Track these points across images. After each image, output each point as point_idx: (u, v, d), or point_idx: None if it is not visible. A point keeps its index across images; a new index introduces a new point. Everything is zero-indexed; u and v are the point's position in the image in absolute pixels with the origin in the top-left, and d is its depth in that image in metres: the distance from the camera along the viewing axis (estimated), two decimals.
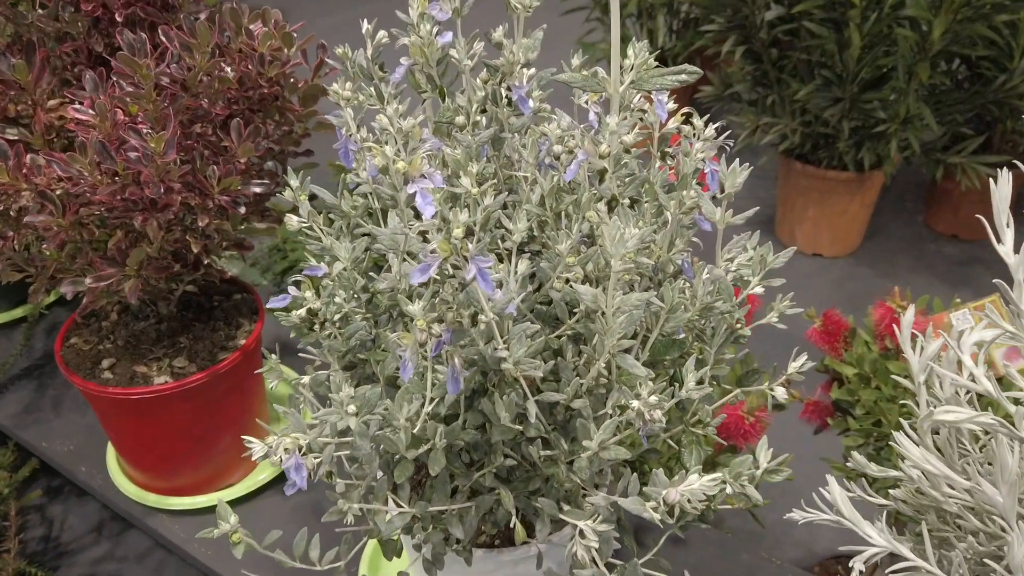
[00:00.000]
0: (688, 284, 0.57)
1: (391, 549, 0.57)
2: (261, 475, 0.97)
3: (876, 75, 1.87)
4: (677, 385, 0.52)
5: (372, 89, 0.58)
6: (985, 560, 0.46)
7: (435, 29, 0.55)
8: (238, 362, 0.87)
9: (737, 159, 0.54)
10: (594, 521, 0.50)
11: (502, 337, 0.47)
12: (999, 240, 0.49)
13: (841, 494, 0.49)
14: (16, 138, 0.75)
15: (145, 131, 0.69)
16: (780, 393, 0.60)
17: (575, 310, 0.52)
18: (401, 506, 0.55)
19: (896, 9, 1.73)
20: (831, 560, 1.26)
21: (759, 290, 0.60)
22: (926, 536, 0.48)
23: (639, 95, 0.55)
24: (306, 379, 0.61)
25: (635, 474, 0.48)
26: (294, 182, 0.57)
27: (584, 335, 0.53)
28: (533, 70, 0.57)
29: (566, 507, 0.53)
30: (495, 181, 0.58)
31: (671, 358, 0.56)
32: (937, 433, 0.55)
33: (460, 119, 0.54)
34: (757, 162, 2.58)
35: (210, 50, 0.72)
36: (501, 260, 0.54)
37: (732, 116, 2.16)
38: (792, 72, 2.01)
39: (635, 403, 0.45)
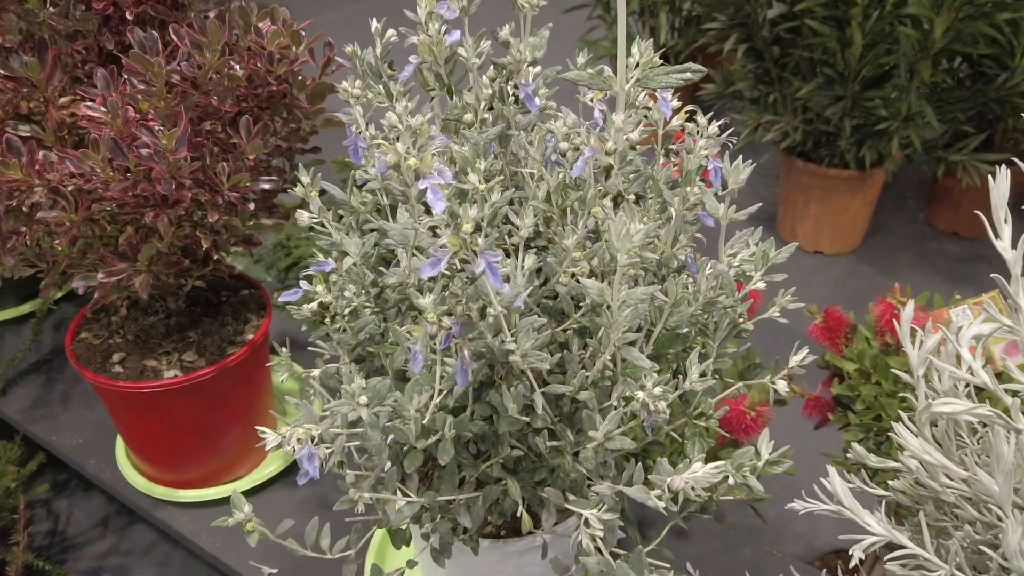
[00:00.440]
0: (691, 279, 0.58)
1: (400, 538, 0.58)
2: (268, 468, 0.98)
3: (878, 73, 1.88)
4: (681, 378, 0.53)
5: (381, 87, 0.59)
6: (981, 548, 0.47)
7: (443, 28, 0.56)
8: (246, 357, 0.88)
9: (740, 156, 0.55)
10: (599, 510, 0.51)
11: (510, 330, 0.48)
12: (997, 236, 0.50)
13: (841, 484, 0.50)
14: (28, 135, 0.76)
15: (156, 128, 0.70)
16: (781, 387, 0.61)
17: (581, 304, 0.53)
18: (410, 496, 0.56)
19: (898, 7, 1.73)
20: (831, 554, 1.28)
21: (761, 285, 0.62)
22: (924, 525, 0.49)
23: (643, 93, 0.56)
24: (316, 372, 0.62)
25: (639, 464, 0.49)
26: (305, 178, 0.58)
27: (590, 328, 0.54)
28: (539, 68, 0.58)
29: (571, 497, 0.54)
30: (502, 178, 0.59)
31: (675, 351, 0.57)
32: (935, 425, 0.56)
33: (468, 116, 0.55)
34: (759, 160, 2.59)
35: (220, 48, 0.73)
36: (508, 255, 0.55)
37: (734, 114, 2.17)
38: (794, 70, 2.02)
39: (640, 395, 0.47)
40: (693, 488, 0.44)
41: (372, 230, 0.61)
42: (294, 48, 0.79)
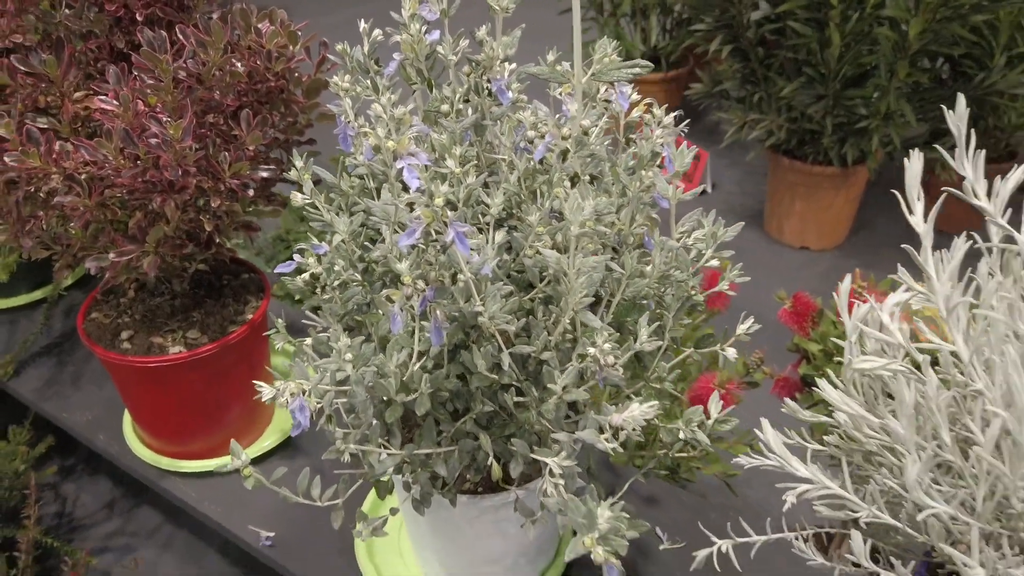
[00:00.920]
0: (648, 255, 0.64)
1: (383, 488, 0.65)
2: (266, 442, 1.05)
3: (858, 73, 1.94)
4: (633, 339, 0.59)
5: (368, 81, 0.65)
6: (894, 489, 0.53)
7: (424, 28, 0.62)
8: (246, 335, 0.94)
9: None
10: (559, 457, 0.58)
11: (479, 295, 0.55)
12: (911, 212, 0.56)
13: (773, 434, 0.56)
14: (46, 126, 0.83)
15: (164, 120, 0.76)
16: (731, 353, 0.67)
17: (545, 274, 0.59)
18: (392, 449, 0.62)
19: (877, 9, 1.80)
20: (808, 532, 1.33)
21: (714, 263, 0.68)
22: (845, 469, 0.55)
23: (605, 87, 0.63)
24: (309, 340, 0.68)
25: (592, 413, 0.56)
26: (299, 162, 0.64)
27: (553, 298, 0.60)
28: (513, 64, 0.65)
29: (537, 448, 0.61)
30: (477, 163, 0.65)
31: (632, 319, 0.64)
32: (873, 390, 0.62)
33: (445, 107, 0.62)
34: (745, 157, 2.65)
35: (222, 47, 0.80)
36: (482, 232, 0.61)
37: (721, 113, 2.24)
38: (778, 70, 2.08)
39: (592, 350, 0.53)
40: (635, 429, 0.50)
41: (361, 211, 0.67)
42: (291, 47, 0.85)
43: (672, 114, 0.64)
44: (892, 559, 0.60)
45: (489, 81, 0.64)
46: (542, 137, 0.61)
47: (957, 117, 0.56)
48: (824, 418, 0.60)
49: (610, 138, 0.68)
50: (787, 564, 0.86)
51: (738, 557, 0.69)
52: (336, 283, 0.64)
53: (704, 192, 2.65)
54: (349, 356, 0.55)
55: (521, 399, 0.61)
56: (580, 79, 0.55)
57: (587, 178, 0.60)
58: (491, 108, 0.66)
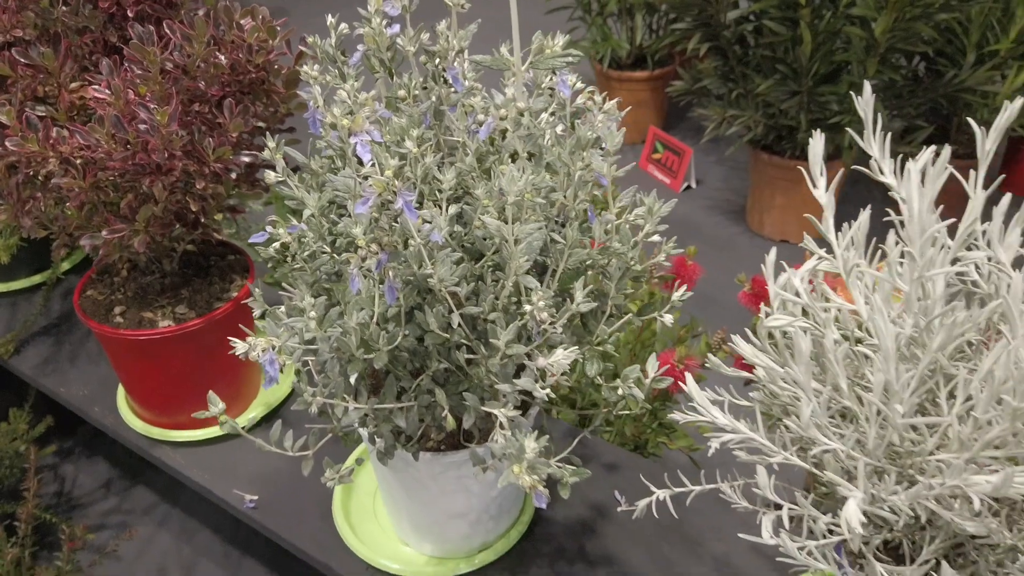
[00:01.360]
0: (589, 227, 0.71)
1: (351, 440, 0.71)
2: (251, 414, 1.11)
3: (830, 69, 2.00)
4: (571, 301, 0.65)
5: (336, 70, 0.72)
6: (796, 431, 0.60)
7: (384, 21, 0.69)
8: (231, 311, 1.01)
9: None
10: (506, 409, 0.64)
11: (430, 260, 0.61)
12: (815, 186, 0.63)
13: (694, 386, 0.63)
14: (44, 114, 0.89)
15: (153, 107, 0.82)
16: (668, 319, 0.73)
17: (492, 242, 0.66)
18: (356, 404, 0.69)
19: (848, 7, 1.86)
20: None
21: (656, 239, 0.74)
22: (759, 417, 0.61)
23: (548, 76, 0.69)
24: (282, 308, 0.75)
25: (533, 366, 0.62)
26: (271, 143, 0.71)
27: (500, 265, 0.67)
28: (466, 54, 0.71)
29: (487, 401, 0.67)
30: (432, 144, 0.71)
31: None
32: (789, 350, 0.68)
33: (402, 92, 0.68)
34: (725, 152, 2.72)
35: (206, 41, 0.86)
36: (438, 207, 0.67)
37: (702, 109, 2.30)
38: (756, 68, 2.14)
39: (527, 307, 0.59)
40: (563, 374, 0.57)
41: (330, 187, 0.74)
42: (271, 41, 0.91)
43: (614, 101, 0.70)
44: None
45: (445, 70, 0.70)
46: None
47: (864, 102, 0.63)
48: (744, 373, 0.66)
49: (563, 125, 0.74)
50: (721, 512, 0.93)
51: (677, 509, 0.77)
52: (306, 254, 0.70)
53: (688, 188, 2.71)
54: (313, 314, 0.61)
55: (472, 356, 0.67)
56: (519, 67, 0.62)
57: (525, 155, 0.66)
58: (448, 95, 0.72)
